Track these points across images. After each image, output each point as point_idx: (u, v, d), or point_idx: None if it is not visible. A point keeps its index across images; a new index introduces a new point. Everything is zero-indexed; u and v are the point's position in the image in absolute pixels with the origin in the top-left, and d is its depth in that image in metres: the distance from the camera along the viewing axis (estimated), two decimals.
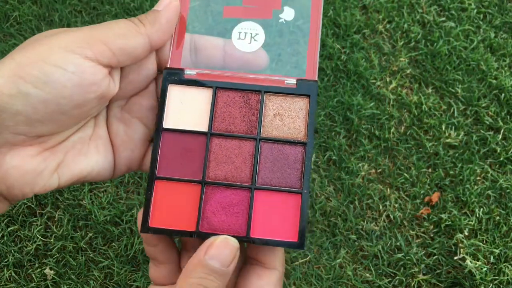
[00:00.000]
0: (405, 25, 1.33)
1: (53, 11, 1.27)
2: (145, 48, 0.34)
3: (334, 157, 1.15)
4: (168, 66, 0.36)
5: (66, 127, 0.34)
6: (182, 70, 0.36)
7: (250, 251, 0.36)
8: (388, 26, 1.33)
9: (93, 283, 1.01)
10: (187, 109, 0.36)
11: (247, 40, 0.37)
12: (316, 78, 0.37)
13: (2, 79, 0.29)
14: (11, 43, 1.22)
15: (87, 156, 0.35)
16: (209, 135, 0.36)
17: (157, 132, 0.35)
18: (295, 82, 0.36)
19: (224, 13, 0.38)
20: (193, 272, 0.31)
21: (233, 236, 0.33)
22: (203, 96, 0.36)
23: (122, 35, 0.33)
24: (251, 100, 0.36)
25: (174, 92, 0.36)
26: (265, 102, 0.36)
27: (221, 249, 0.32)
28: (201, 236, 0.34)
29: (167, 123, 0.36)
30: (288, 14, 0.38)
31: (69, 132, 0.34)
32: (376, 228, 1.10)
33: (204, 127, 0.36)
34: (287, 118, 0.36)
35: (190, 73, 0.36)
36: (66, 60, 0.31)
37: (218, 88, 0.36)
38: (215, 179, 0.35)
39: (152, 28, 0.34)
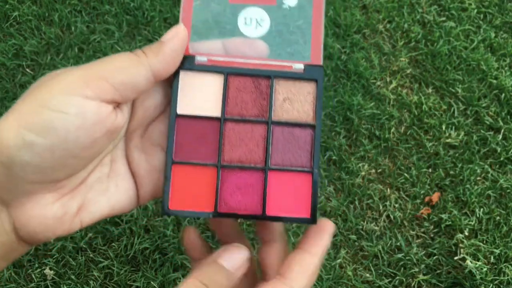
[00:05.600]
0: (405, 25, 1.33)
1: (53, 11, 1.27)
2: (149, 80, 0.33)
3: (334, 157, 1.15)
4: None
5: (80, 169, 0.33)
6: (193, 56, 0.37)
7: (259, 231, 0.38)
8: (388, 26, 1.33)
9: (93, 283, 1.01)
10: (199, 95, 0.37)
11: (253, 26, 0.38)
12: (321, 63, 0.38)
13: (7, 131, 0.29)
14: (11, 43, 1.22)
15: (107, 196, 0.35)
16: (222, 120, 0.37)
17: (171, 118, 0.36)
18: (302, 67, 0.38)
19: None
20: (204, 268, 0.32)
21: (249, 215, 0.36)
22: (214, 82, 0.37)
23: (122, 69, 0.32)
24: (261, 85, 0.38)
25: (186, 79, 0.37)
26: (275, 87, 0.38)
27: (233, 253, 0.33)
28: (219, 216, 0.36)
29: (181, 109, 0.36)
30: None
31: (85, 173, 0.34)
32: (376, 228, 1.10)
33: (217, 112, 0.37)
34: (296, 102, 0.38)
35: (201, 59, 0.37)
36: (66, 103, 0.30)
37: (229, 74, 0.37)
38: (230, 162, 0.36)
39: (155, 59, 0.33)
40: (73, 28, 1.25)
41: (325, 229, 0.34)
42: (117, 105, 0.33)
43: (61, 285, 1.00)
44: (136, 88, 0.33)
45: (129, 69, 0.32)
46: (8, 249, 0.32)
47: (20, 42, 1.22)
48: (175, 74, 0.36)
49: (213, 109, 0.37)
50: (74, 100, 0.30)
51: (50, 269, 1.02)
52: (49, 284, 1.00)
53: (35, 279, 1.00)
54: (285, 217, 0.36)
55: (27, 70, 1.21)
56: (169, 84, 0.37)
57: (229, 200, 0.36)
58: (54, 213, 0.32)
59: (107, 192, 0.35)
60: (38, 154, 0.29)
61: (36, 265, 1.02)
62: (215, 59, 0.37)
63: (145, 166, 0.36)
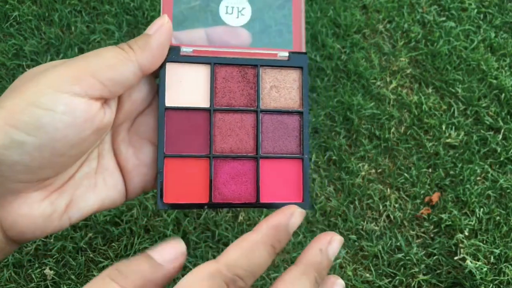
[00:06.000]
0: (405, 25, 1.33)
1: (53, 11, 1.27)
2: (137, 75, 0.33)
3: (334, 157, 1.15)
4: None
5: (68, 167, 0.32)
6: (178, 47, 0.36)
7: None
8: (388, 26, 1.33)
9: None
10: (186, 86, 0.37)
11: (235, 14, 0.38)
12: (304, 50, 0.38)
13: None
14: (11, 43, 1.22)
15: (95, 192, 0.34)
16: (211, 110, 0.37)
17: (160, 111, 0.36)
18: (287, 55, 0.38)
19: None
20: (132, 259, 0.29)
21: (244, 203, 0.36)
22: (201, 73, 0.37)
23: (111, 65, 0.31)
24: (248, 74, 0.38)
25: (173, 70, 0.37)
26: (261, 76, 0.38)
27: (166, 246, 0.30)
28: (214, 207, 0.36)
29: (169, 102, 0.36)
30: None
31: (73, 170, 0.33)
32: (376, 228, 1.10)
33: (206, 103, 0.37)
34: (283, 89, 0.38)
35: (186, 50, 0.37)
36: (55, 101, 0.29)
37: (215, 64, 0.37)
38: (222, 152, 0.37)
39: (142, 54, 0.32)
40: (73, 28, 1.25)
41: (281, 210, 0.31)
42: (104, 101, 0.32)
43: (61, 285, 1.00)
44: (124, 83, 0.32)
45: (117, 65, 0.31)
46: None
47: (20, 42, 1.22)
48: (161, 66, 0.36)
49: (202, 100, 0.37)
50: (62, 98, 0.29)
51: (50, 269, 1.02)
52: (49, 284, 1.00)
53: (35, 279, 1.00)
54: (278, 203, 0.36)
55: (27, 70, 1.21)
56: (156, 76, 0.36)
57: (223, 190, 0.36)
58: (42, 211, 0.31)
59: (96, 188, 0.34)
60: (27, 153, 0.29)
61: (36, 265, 1.02)
62: (201, 49, 0.37)
63: (133, 161, 0.36)
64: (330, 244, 0.30)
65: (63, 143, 0.30)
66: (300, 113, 0.38)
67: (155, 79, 0.37)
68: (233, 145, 0.37)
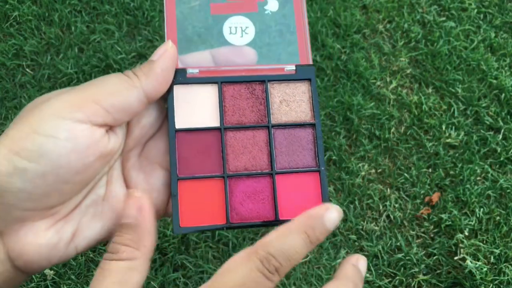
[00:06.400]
0: (405, 25, 1.33)
1: (53, 11, 1.27)
2: (141, 102, 0.32)
3: (334, 157, 1.15)
4: None
5: (73, 194, 0.32)
6: (184, 69, 0.36)
7: None
8: (388, 26, 1.33)
9: None
10: (195, 107, 0.37)
11: (239, 34, 0.38)
12: (311, 62, 0.38)
13: None
14: (11, 43, 1.22)
15: (102, 220, 0.33)
16: (222, 129, 0.36)
17: (171, 134, 0.35)
18: (294, 68, 0.38)
19: (212, 10, 0.38)
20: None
21: (264, 222, 0.35)
22: (209, 93, 0.37)
23: (114, 92, 0.31)
24: (256, 90, 0.38)
25: (180, 92, 0.36)
26: (270, 91, 0.38)
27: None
28: (232, 228, 0.35)
29: (179, 124, 0.36)
30: (272, 5, 0.39)
31: (79, 198, 0.33)
32: (376, 228, 1.10)
33: (216, 123, 0.37)
34: (293, 103, 0.38)
35: (192, 71, 0.36)
36: (57, 127, 0.29)
37: (223, 82, 0.37)
38: (236, 170, 0.36)
39: (147, 80, 0.32)
40: (73, 28, 1.25)
41: (318, 205, 0.32)
42: (109, 128, 0.32)
43: (61, 285, 1.00)
44: (129, 110, 0.32)
45: (121, 91, 0.31)
46: (6, 278, 0.31)
47: (20, 42, 1.22)
48: (169, 90, 0.35)
49: (212, 120, 0.36)
50: (64, 124, 0.29)
51: (50, 269, 1.02)
52: (49, 284, 1.00)
53: (35, 279, 1.00)
54: None
55: (27, 70, 1.21)
56: (164, 99, 0.36)
57: (240, 209, 0.35)
58: (48, 240, 0.31)
59: (103, 215, 0.33)
60: (30, 181, 0.28)
61: None
62: (206, 70, 0.37)
63: (143, 186, 0.35)
64: (358, 261, 0.32)
65: (66, 170, 0.30)
66: (312, 125, 0.38)
67: (164, 103, 0.36)
68: (247, 162, 0.36)
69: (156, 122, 0.36)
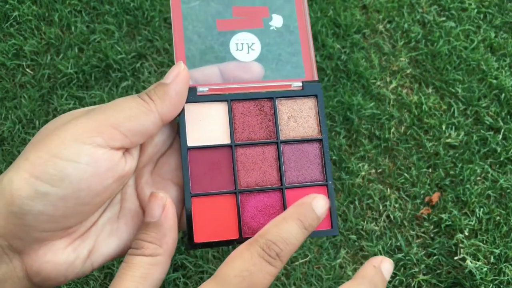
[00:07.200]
0: (405, 25, 1.33)
1: (53, 11, 1.27)
2: (157, 125, 0.33)
3: (334, 157, 1.15)
4: None
5: (91, 214, 0.33)
6: (194, 88, 0.37)
7: None
8: (388, 26, 1.33)
9: (93, 283, 1.01)
10: (206, 125, 0.38)
11: (245, 50, 0.39)
12: (316, 78, 0.39)
13: (20, 182, 0.29)
14: (11, 43, 1.22)
15: (117, 236, 0.35)
16: (233, 146, 0.38)
17: (183, 152, 0.36)
18: (301, 84, 0.39)
19: (218, 26, 0.39)
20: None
21: None
22: (219, 110, 0.38)
23: (131, 117, 0.32)
24: (264, 107, 0.39)
25: (191, 111, 0.37)
26: (278, 107, 0.39)
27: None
28: None
29: (191, 142, 0.37)
30: (277, 21, 0.40)
31: (95, 216, 0.34)
32: (376, 228, 1.10)
33: (227, 140, 0.38)
34: (300, 118, 0.39)
35: (202, 90, 0.37)
36: (78, 152, 0.30)
37: (232, 100, 0.38)
38: (247, 186, 0.37)
39: (162, 104, 0.33)
40: (73, 28, 1.25)
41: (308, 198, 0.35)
42: (126, 150, 0.33)
43: (61, 285, 1.00)
44: (145, 133, 0.33)
45: (138, 116, 0.32)
46: None
47: (20, 42, 1.22)
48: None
49: (222, 137, 0.38)
50: (85, 149, 0.30)
51: None
52: None
53: None
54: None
55: (27, 70, 1.21)
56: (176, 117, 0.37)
57: (252, 224, 0.37)
58: (66, 258, 0.32)
59: (118, 232, 0.35)
60: (51, 204, 0.29)
61: None
62: (216, 88, 0.38)
63: None
64: (382, 263, 0.33)
65: (86, 193, 0.31)
66: (319, 140, 0.39)
67: (175, 120, 0.37)
68: (258, 178, 0.37)
69: (168, 139, 0.37)
